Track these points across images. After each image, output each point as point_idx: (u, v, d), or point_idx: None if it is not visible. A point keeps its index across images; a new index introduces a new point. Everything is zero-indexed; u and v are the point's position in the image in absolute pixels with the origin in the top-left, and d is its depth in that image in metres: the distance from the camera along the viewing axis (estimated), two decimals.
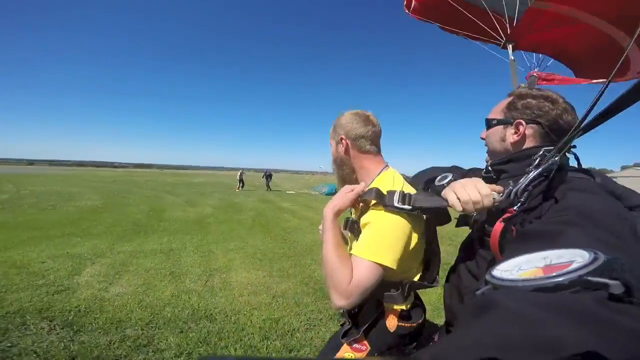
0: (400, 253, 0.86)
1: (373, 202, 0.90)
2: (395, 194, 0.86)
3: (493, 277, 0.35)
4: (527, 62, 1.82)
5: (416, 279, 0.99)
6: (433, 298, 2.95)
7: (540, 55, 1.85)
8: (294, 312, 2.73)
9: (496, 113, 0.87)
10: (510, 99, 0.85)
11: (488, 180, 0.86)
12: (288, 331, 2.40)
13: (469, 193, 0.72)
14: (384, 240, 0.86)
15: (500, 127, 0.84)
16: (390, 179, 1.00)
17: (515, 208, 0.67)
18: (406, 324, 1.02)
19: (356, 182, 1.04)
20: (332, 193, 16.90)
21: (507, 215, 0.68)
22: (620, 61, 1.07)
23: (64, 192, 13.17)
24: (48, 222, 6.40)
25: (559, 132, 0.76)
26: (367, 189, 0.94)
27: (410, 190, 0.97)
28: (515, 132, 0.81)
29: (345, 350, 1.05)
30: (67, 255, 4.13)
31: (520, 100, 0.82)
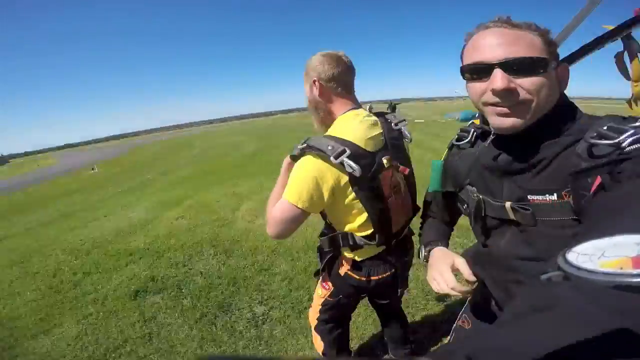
0: (309, 195, 0.92)
1: None
2: (323, 139, 0.93)
3: (567, 262, 0.30)
4: None
5: (363, 234, 1.05)
6: None
7: None
8: None
9: (539, 50, 0.59)
10: (539, 31, 0.61)
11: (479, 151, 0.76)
12: None
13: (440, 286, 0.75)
14: (293, 181, 0.95)
15: (553, 72, 0.61)
16: (340, 124, 1.03)
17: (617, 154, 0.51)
18: (355, 275, 1.13)
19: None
20: (467, 118, 14.99)
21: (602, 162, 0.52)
22: None
23: (234, 142, 17.24)
24: (223, 167, 8.68)
25: None
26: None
27: (359, 135, 0.97)
28: (562, 78, 0.64)
29: (318, 287, 1.30)
30: (233, 194, 5.46)
31: (546, 33, 0.62)
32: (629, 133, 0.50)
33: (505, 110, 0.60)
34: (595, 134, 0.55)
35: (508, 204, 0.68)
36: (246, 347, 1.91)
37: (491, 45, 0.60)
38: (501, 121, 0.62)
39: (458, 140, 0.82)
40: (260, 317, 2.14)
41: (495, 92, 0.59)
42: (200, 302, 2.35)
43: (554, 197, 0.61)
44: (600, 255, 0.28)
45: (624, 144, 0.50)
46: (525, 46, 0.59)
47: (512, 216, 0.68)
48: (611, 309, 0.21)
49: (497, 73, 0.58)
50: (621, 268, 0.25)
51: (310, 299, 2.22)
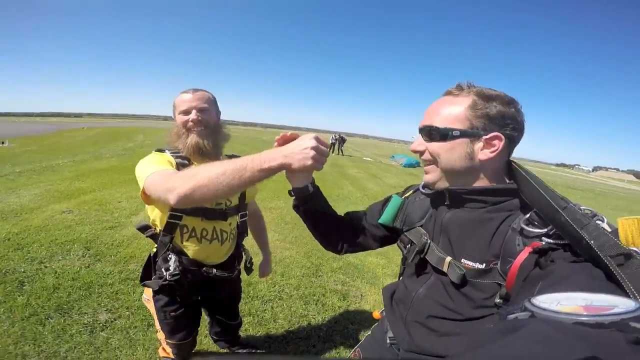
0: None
1: None
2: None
3: (534, 305, 0.37)
4: None
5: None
6: None
7: None
8: (290, 284, 2.90)
9: (451, 120, 0.69)
10: (469, 100, 0.68)
11: (436, 200, 0.84)
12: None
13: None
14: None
15: (465, 140, 0.69)
16: None
17: (544, 242, 0.62)
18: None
19: None
20: (410, 165, 16.09)
21: (535, 245, 0.63)
22: None
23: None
24: None
25: (517, 143, 0.72)
26: None
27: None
28: (488, 147, 0.68)
29: None
30: (140, 197, 5.19)
31: (487, 103, 0.67)
32: (549, 228, 0.62)
33: (425, 167, 0.77)
34: (526, 218, 0.66)
35: (449, 259, 0.76)
36: (70, 350, 1.82)
37: (427, 111, 0.75)
38: (424, 177, 0.79)
39: (424, 187, 0.90)
40: (101, 324, 2.05)
41: (411, 150, 0.78)
42: (37, 301, 2.18)
43: (483, 265, 0.70)
44: (557, 303, 0.37)
45: (551, 233, 0.62)
46: (440, 116, 0.71)
47: (446, 270, 0.76)
48: (574, 336, 0.28)
49: (418, 137, 0.76)
50: (577, 311, 0.34)
51: None
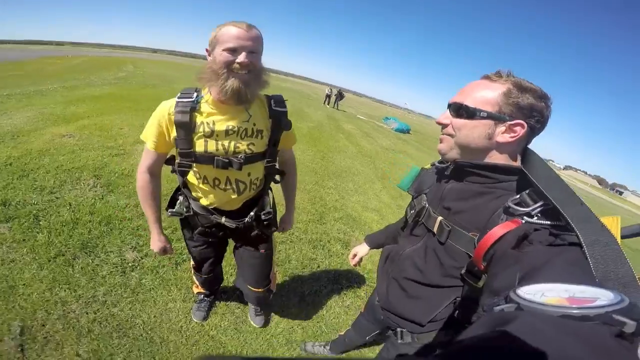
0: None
1: None
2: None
3: (520, 297, 0.37)
4: None
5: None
6: None
7: None
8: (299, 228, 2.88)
9: (482, 102, 0.69)
10: (505, 87, 0.68)
11: (442, 172, 0.85)
12: None
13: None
14: None
15: (490, 121, 0.69)
16: None
17: (524, 221, 0.62)
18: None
19: None
20: (401, 130, 16.07)
21: (511, 224, 0.63)
22: None
23: (168, 75, 14.92)
24: (143, 97, 7.41)
25: (537, 134, 0.72)
26: None
27: None
28: (509, 132, 0.68)
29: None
30: (142, 125, 4.72)
31: (522, 94, 0.67)
32: (539, 204, 0.62)
33: (441, 136, 0.78)
34: (515, 198, 0.66)
35: (440, 218, 0.79)
36: (108, 293, 1.70)
37: (462, 90, 0.74)
38: (438, 145, 0.80)
39: (440, 162, 0.90)
40: (130, 264, 1.93)
41: (437, 122, 0.79)
42: (59, 238, 1.98)
43: (467, 232, 0.73)
44: (542, 295, 0.36)
45: (532, 213, 0.62)
46: (473, 96, 0.71)
47: (436, 229, 0.80)
48: (561, 329, 0.28)
49: (446, 110, 0.76)
50: (561, 304, 0.33)
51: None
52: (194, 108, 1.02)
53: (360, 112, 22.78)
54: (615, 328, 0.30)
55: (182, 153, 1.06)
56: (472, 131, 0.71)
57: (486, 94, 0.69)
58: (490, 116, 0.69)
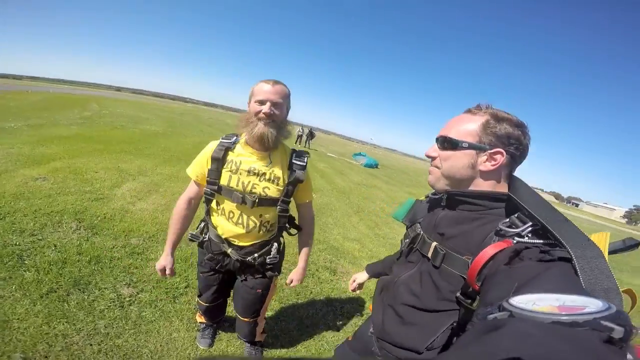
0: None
1: None
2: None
3: (512, 305, 0.38)
4: None
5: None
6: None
7: None
8: (288, 260, 2.90)
9: (464, 134, 0.74)
10: (484, 118, 0.73)
11: (435, 202, 0.90)
12: None
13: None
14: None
15: (472, 151, 0.73)
16: None
17: (515, 241, 0.64)
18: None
19: None
20: (370, 165, 16.60)
21: (502, 244, 0.65)
22: None
23: (136, 116, 14.68)
24: (114, 139, 7.29)
25: (519, 162, 0.75)
26: None
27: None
28: (490, 161, 0.72)
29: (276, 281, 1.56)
30: (117, 169, 4.65)
31: (498, 123, 0.71)
32: (528, 224, 0.64)
33: (429, 169, 0.83)
34: (506, 221, 0.69)
35: (434, 244, 0.80)
36: (109, 326, 1.67)
37: (447, 124, 0.80)
38: (428, 177, 0.85)
39: (433, 194, 0.96)
40: (127, 299, 1.91)
41: (426, 155, 0.83)
42: (49, 276, 1.93)
43: (461, 256, 0.74)
44: (533, 304, 0.37)
45: (523, 233, 0.65)
46: (456, 129, 0.76)
47: (430, 254, 0.81)
48: (550, 333, 0.29)
49: (433, 144, 0.81)
50: (552, 311, 0.35)
51: (188, 287, 2.14)
52: (229, 148, 1.23)
53: (330, 149, 23.72)
54: (604, 334, 0.30)
55: (209, 181, 1.24)
56: (457, 162, 0.75)
57: (468, 127, 0.74)
58: (471, 146, 0.73)
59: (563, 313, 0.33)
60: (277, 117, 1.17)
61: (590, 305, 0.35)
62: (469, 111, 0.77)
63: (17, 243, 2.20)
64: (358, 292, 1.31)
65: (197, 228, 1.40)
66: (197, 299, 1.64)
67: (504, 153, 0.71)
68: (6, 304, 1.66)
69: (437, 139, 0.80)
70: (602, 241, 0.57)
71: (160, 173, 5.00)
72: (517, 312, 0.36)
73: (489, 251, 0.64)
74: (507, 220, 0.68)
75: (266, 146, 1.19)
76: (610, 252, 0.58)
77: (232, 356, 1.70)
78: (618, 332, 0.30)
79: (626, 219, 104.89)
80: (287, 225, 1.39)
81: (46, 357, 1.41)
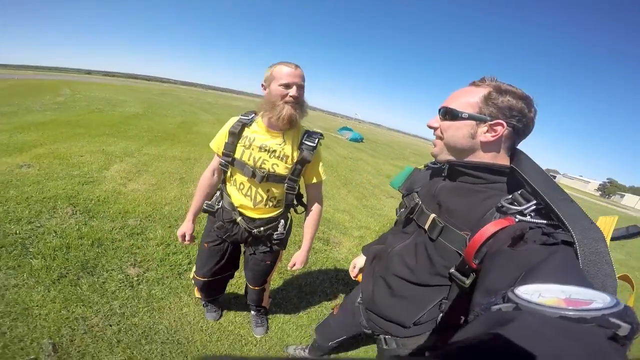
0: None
1: None
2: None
3: (518, 297, 0.37)
4: None
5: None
6: None
7: None
8: None
9: (465, 105, 0.73)
10: (486, 90, 0.72)
11: (436, 172, 0.89)
12: None
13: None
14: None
15: (472, 122, 0.72)
16: None
17: (517, 219, 0.63)
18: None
19: None
20: (355, 140, 16.65)
21: (504, 222, 0.63)
22: None
23: (112, 98, 13.95)
24: (93, 122, 7.01)
25: (524, 135, 0.73)
26: None
27: None
28: (490, 132, 0.71)
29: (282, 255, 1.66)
30: (102, 151, 4.56)
31: (501, 95, 0.70)
32: (532, 203, 0.63)
33: (433, 140, 0.82)
34: (508, 198, 0.67)
35: (433, 216, 0.79)
36: (123, 306, 1.77)
37: (450, 96, 0.78)
38: (432, 149, 0.83)
39: (433, 163, 0.96)
40: (135, 278, 2.00)
41: (427, 125, 0.82)
42: (56, 262, 1.98)
43: (459, 231, 0.73)
44: (539, 295, 0.36)
45: (525, 212, 0.63)
46: (458, 101, 0.75)
47: (427, 226, 0.79)
48: (559, 332, 0.28)
49: (436, 115, 0.80)
50: (559, 305, 0.34)
51: (191, 263, 2.25)
52: (246, 124, 1.29)
53: (316, 125, 23.52)
54: (610, 330, 0.30)
55: (224, 153, 1.31)
56: (457, 132, 0.74)
57: (469, 98, 0.73)
58: (471, 117, 0.72)
59: (570, 307, 0.33)
60: (301, 99, 1.22)
61: (597, 299, 0.34)
62: (473, 83, 0.76)
63: (17, 232, 2.21)
64: (360, 276, 1.22)
65: (212, 198, 1.47)
66: (192, 274, 1.64)
67: (505, 125, 0.69)
68: (22, 292, 1.71)
69: (439, 110, 0.79)
70: (607, 225, 0.57)
71: (147, 153, 4.95)
72: (523, 304, 0.35)
73: (490, 229, 0.63)
74: (510, 196, 0.66)
75: (294, 124, 1.24)
76: (612, 239, 0.57)
77: (234, 357, 1.83)
78: (624, 329, 0.30)
79: (600, 192, 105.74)
80: (294, 202, 1.44)
81: (72, 340, 1.50)
